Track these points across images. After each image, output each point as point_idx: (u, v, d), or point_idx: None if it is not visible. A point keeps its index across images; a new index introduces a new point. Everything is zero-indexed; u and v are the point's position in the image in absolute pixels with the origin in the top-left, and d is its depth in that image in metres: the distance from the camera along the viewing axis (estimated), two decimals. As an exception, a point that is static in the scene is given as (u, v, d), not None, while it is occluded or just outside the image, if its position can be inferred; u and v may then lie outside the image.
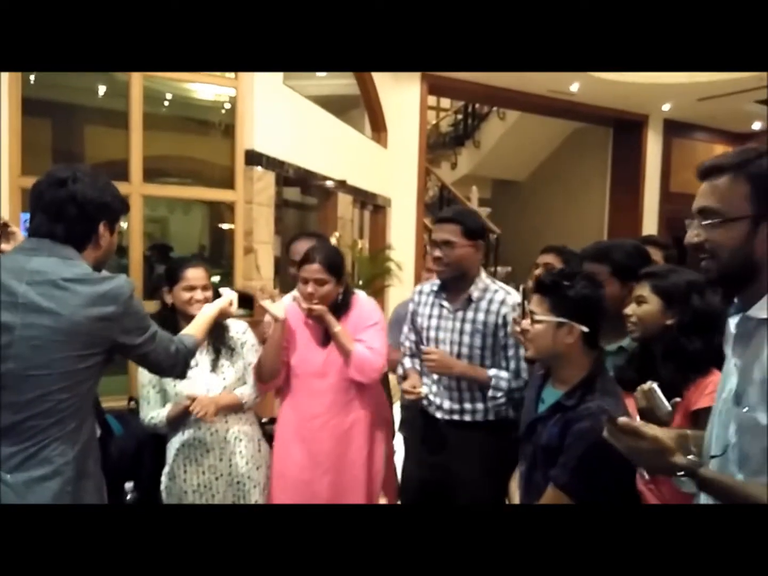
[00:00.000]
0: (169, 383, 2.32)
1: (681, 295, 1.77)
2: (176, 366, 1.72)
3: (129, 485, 2.47)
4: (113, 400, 3.16)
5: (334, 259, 2.34)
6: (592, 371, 1.71)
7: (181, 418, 2.30)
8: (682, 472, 1.16)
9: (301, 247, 2.64)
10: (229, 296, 2.12)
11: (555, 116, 9.51)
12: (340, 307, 2.37)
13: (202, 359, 2.35)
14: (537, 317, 1.71)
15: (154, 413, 2.33)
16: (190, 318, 2.14)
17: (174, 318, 2.36)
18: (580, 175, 10.66)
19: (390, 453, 2.53)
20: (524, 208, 11.89)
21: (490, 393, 2.27)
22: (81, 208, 1.54)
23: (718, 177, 1.17)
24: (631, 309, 1.85)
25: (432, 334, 2.38)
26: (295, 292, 2.77)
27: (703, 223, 1.16)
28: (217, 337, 2.36)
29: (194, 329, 1.88)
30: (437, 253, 2.28)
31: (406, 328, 2.55)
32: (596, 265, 2.02)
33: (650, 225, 9.38)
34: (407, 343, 2.53)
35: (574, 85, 7.79)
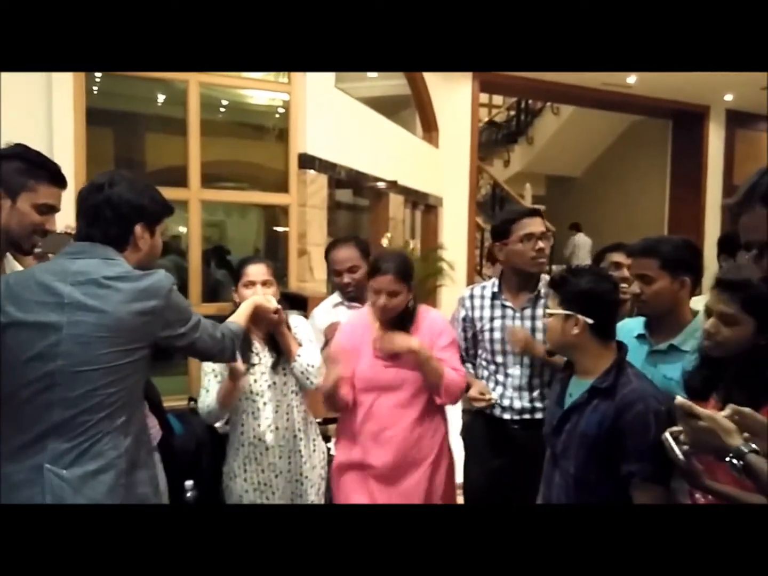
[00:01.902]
0: None
1: None
2: (225, 350, 1.77)
3: (189, 483, 2.53)
4: (174, 399, 3.26)
5: (405, 267, 2.26)
6: (617, 359, 1.75)
7: (230, 397, 2.31)
8: (732, 455, 1.17)
9: (340, 255, 2.69)
10: (269, 300, 2.21)
11: (611, 110, 9.30)
12: (410, 315, 2.30)
13: (264, 357, 2.40)
14: (548, 311, 1.83)
15: (210, 399, 2.35)
16: (256, 323, 2.24)
17: None
18: (638, 169, 10.38)
19: (452, 463, 2.45)
20: (580, 205, 11.66)
21: None
22: (116, 210, 1.57)
23: None
24: (714, 327, 1.56)
25: (497, 335, 2.35)
26: (335, 298, 2.81)
27: None
28: (275, 339, 2.40)
29: (236, 316, 1.95)
30: (540, 244, 2.29)
31: (455, 335, 2.52)
32: (645, 260, 1.96)
33: (713, 220, 9.06)
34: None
35: (631, 77, 7.59)
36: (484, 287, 2.46)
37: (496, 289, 2.41)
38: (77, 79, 3.67)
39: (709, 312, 1.59)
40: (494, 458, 2.36)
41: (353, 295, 2.71)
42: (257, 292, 2.32)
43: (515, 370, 2.34)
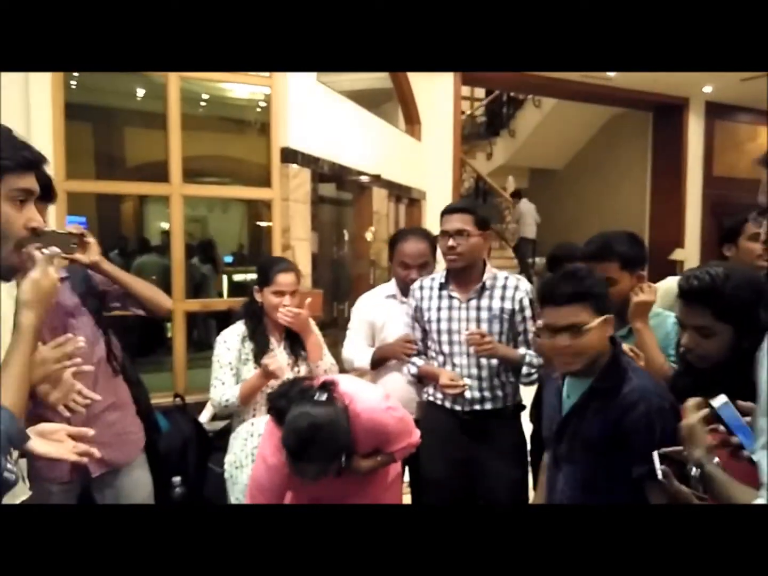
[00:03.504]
0: (249, 370, 2.39)
1: (751, 314, 1.41)
2: None
3: (177, 479, 2.52)
4: (160, 396, 3.23)
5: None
6: (614, 355, 1.70)
7: (255, 395, 2.35)
8: (693, 464, 1.20)
9: (415, 248, 2.59)
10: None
11: (592, 102, 9.33)
12: None
13: (280, 353, 2.40)
14: (586, 327, 1.62)
15: (230, 393, 2.36)
16: (275, 321, 2.28)
17: (260, 315, 2.45)
18: (620, 161, 10.45)
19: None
20: (562, 198, 11.73)
21: (524, 370, 2.32)
22: None
23: None
24: (692, 341, 1.48)
25: (444, 326, 2.37)
26: (389, 288, 2.74)
27: None
28: (296, 342, 2.44)
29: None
30: (451, 242, 2.28)
31: (408, 328, 2.53)
32: (605, 264, 1.99)
33: (694, 210, 9.15)
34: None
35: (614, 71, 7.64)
36: (433, 278, 2.47)
37: (443, 281, 2.42)
38: (55, 74, 3.61)
39: (682, 325, 1.52)
40: (452, 449, 2.37)
41: None
42: (284, 303, 2.34)
43: (462, 360, 2.35)
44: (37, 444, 1.11)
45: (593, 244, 2.12)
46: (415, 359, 2.48)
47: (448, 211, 2.36)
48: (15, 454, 0.99)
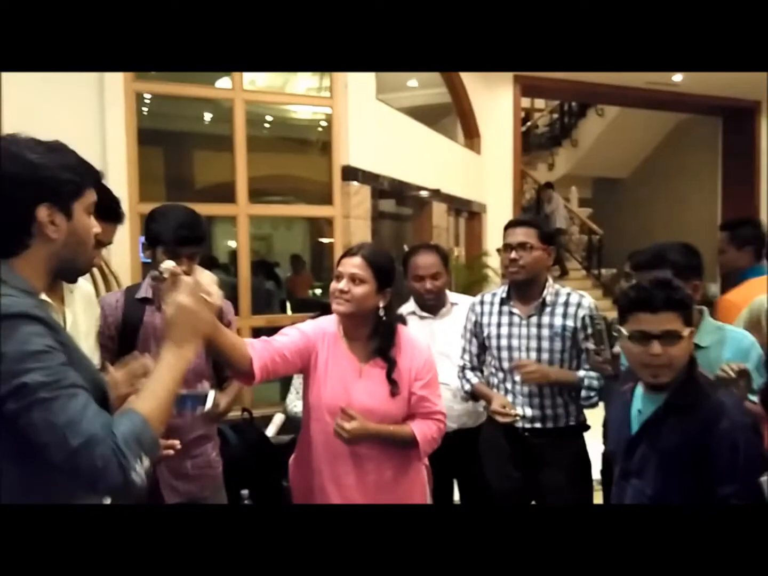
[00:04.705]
0: None
1: None
2: (80, 461, 0.98)
3: (245, 492, 2.59)
4: (227, 410, 3.32)
5: (379, 258, 1.94)
6: (690, 370, 1.64)
7: None
8: None
9: (425, 260, 2.60)
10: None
11: (657, 109, 9.10)
12: (387, 330, 1.97)
13: None
14: (684, 334, 1.59)
15: (300, 404, 2.33)
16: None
17: None
18: (688, 169, 10.13)
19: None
20: (628, 207, 11.44)
21: (584, 393, 2.26)
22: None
23: None
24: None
25: (504, 342, 2.34)
26: (408, 306, 2.70)
27: None
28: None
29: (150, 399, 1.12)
30: (513, 255, 2.27)
31: (464, 341, 2.51)
32: (655, 272, 1.93)
33: (769, 218, 8.76)
34: (467, 356, 2.49)
35: (677, 75, 7.42)
36: (494, 294, 2.45)
37: (504, 296, 2.39)
38: (128, 101, 3.81)
39: None
40: (513, 468, 2.33)
41: (432, 303, 2.64)
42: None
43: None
44: None
45: (646, 253, 2.08)
46: (470, 375, 2.46)
47: (511, 225, 2.35)
48: (146, 461, 1.02)
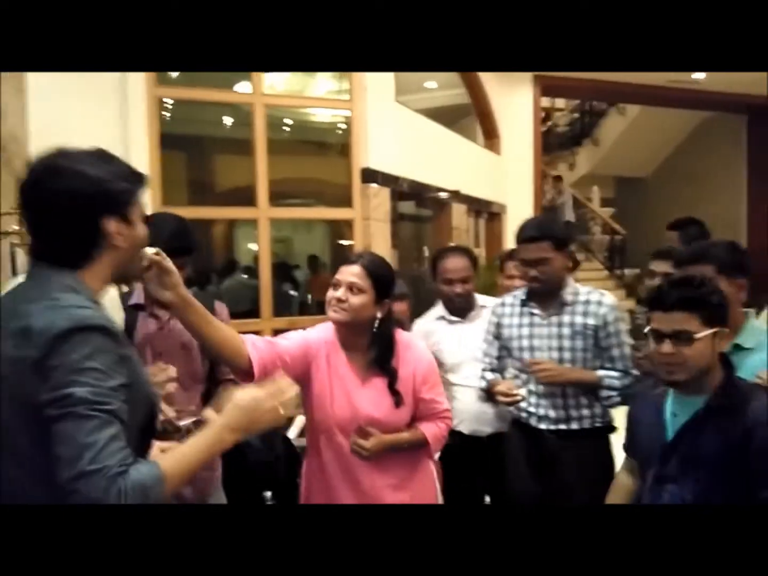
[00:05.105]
0: None
1: None
2: (83, 485, 0.97)
3: (267, 494, 2.60)
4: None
5: (378, 266, 1.88)
6: (729, 372, 1.62)
7: None
8: None
9: (455, 263, 2.59)
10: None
11: (680, 107, 8.98)
12: (386, 338, 1.92)
13: None
14: (697, 335, 1.55)
15: None
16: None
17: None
18: (712, 167, 9.98)
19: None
20: (651, 206, 11.28)
21: (604, 393, 2.24)
22: (68, 210, 1.10)
23: None
24: None
25: (525, 343, 2.33)
26: (438, 310, 2.70)
27: None
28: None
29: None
30: (533, 273, 2.24)
31: (485, 344, 2.49)
32: (699, 267, 1.90)
33: (796, 216, 8.59)
34: (487, 359, 2.47)
35: (699, 72, 7.32)
36: (515, 296, 2.44)
37: (524, 297, 2.38)
38: (150, 107, 3.86)
39: None
40: (537, 469, 2.32)
41: (462, 306, 2.63)
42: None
43: None
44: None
45: (690, 249, 2.07)
46: (486, 374, 2.46)
47: (524, 240, 2.29)
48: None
